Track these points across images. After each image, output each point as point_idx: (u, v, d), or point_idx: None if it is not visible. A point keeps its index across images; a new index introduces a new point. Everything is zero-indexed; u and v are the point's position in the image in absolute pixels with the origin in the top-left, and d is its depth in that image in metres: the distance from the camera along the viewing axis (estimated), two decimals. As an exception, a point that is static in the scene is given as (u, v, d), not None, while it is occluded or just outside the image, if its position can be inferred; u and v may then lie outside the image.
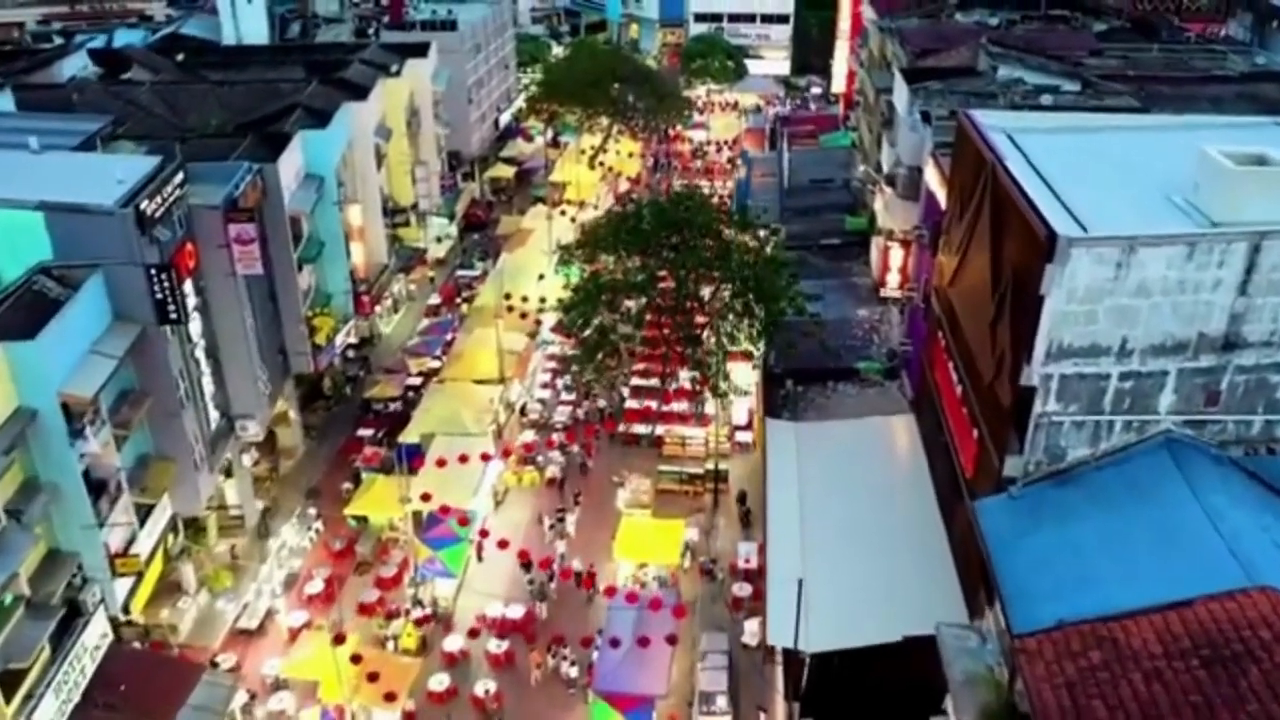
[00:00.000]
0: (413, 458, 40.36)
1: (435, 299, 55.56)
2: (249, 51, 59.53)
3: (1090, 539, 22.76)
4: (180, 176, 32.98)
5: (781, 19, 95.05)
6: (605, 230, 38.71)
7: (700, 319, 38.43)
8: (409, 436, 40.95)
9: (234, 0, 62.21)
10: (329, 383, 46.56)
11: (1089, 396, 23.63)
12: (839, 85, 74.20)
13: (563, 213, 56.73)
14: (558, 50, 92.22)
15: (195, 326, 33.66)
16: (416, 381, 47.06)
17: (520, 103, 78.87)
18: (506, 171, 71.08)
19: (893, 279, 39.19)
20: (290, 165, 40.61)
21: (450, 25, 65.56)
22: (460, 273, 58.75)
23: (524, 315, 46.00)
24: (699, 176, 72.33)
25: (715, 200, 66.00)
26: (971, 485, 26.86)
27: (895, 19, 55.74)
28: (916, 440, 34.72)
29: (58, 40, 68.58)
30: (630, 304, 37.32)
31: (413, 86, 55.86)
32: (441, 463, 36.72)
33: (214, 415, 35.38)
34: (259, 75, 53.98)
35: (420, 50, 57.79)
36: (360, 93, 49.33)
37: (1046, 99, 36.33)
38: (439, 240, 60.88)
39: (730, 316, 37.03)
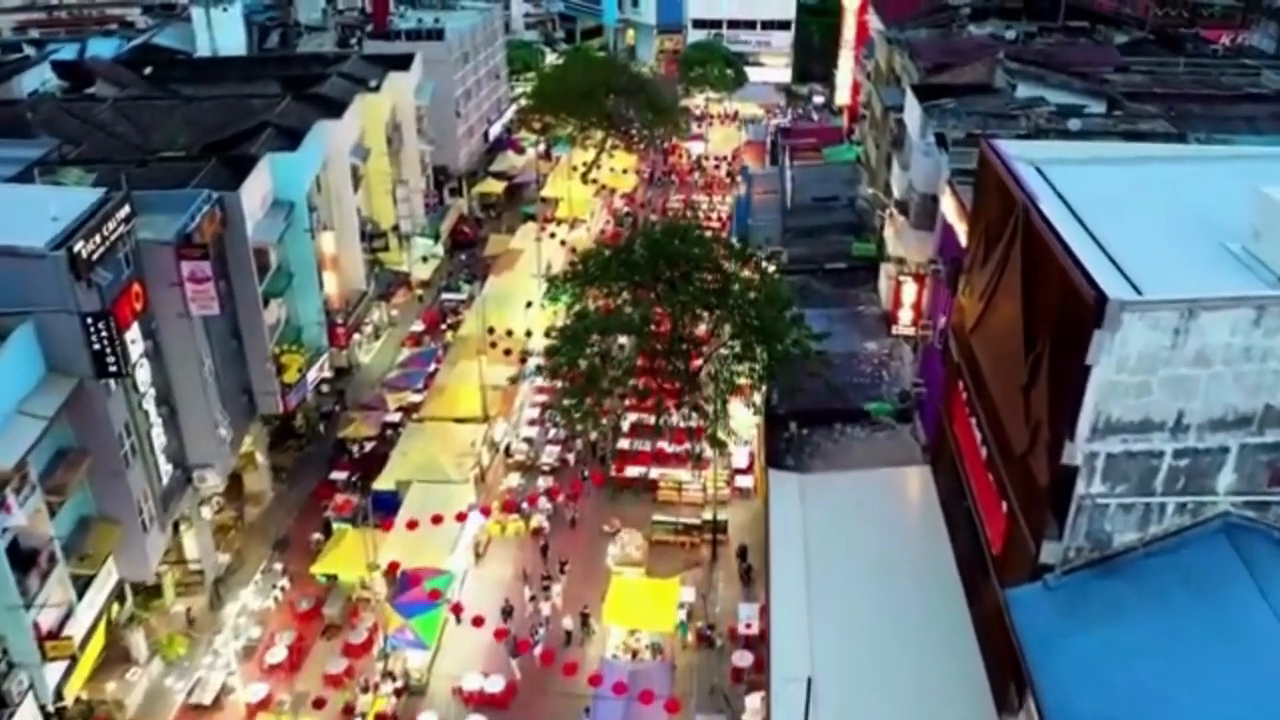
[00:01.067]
0: (388, 507, 37.61)
1: (418, 325, 52.60)
2: (223, 64, 56.57)
3: (1143, 642, 19.95)
4: (126, 210, 30.04)
5: (783, 25, 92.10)
6: (595, 263, 35.71)
7: (697, 361, 35.46)
8: (384, 483, 38.10)
9: (209, 9, 59.15)
10: (301, 420, 43.61)
11: (1139, 476, 20.80)
12: (843, 97, 71.31)
13: (552, 235, 53.86)
14: (551, 58, 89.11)
15: (144, 374, 30.75)
16: (395, 418, 44.15)
17: (512, 113, 75.87)
18: (496, 187, 68.10)
19: (905, 315, 36.26)
20: (256, 191, 37.68)
21: (437, 35, 62.60)
22: (445, 296, 55.78)
23: (508, 351, 42.96)
24: (697, 191, 69.41)
25: (714, 220, 63.63)
26: (1000, 565, 23.99)
27: (903, 29, 52.92)
28: (933, 499, 31.77)
29: (28, 50, 65.50)
30: (622, 341, 34.35)
31: (394, 101, 52.93)
32: (412, 525, 33.73)
33: (166, 469, 32.45)
34: (231, 90, 51.00)
35: (403, 63, 54.84)
36: (336, 109, 46.41)
37: (1074, 124, 33.39)
38: (425, 260, 57.95)
39: (729, 357, 34.04)
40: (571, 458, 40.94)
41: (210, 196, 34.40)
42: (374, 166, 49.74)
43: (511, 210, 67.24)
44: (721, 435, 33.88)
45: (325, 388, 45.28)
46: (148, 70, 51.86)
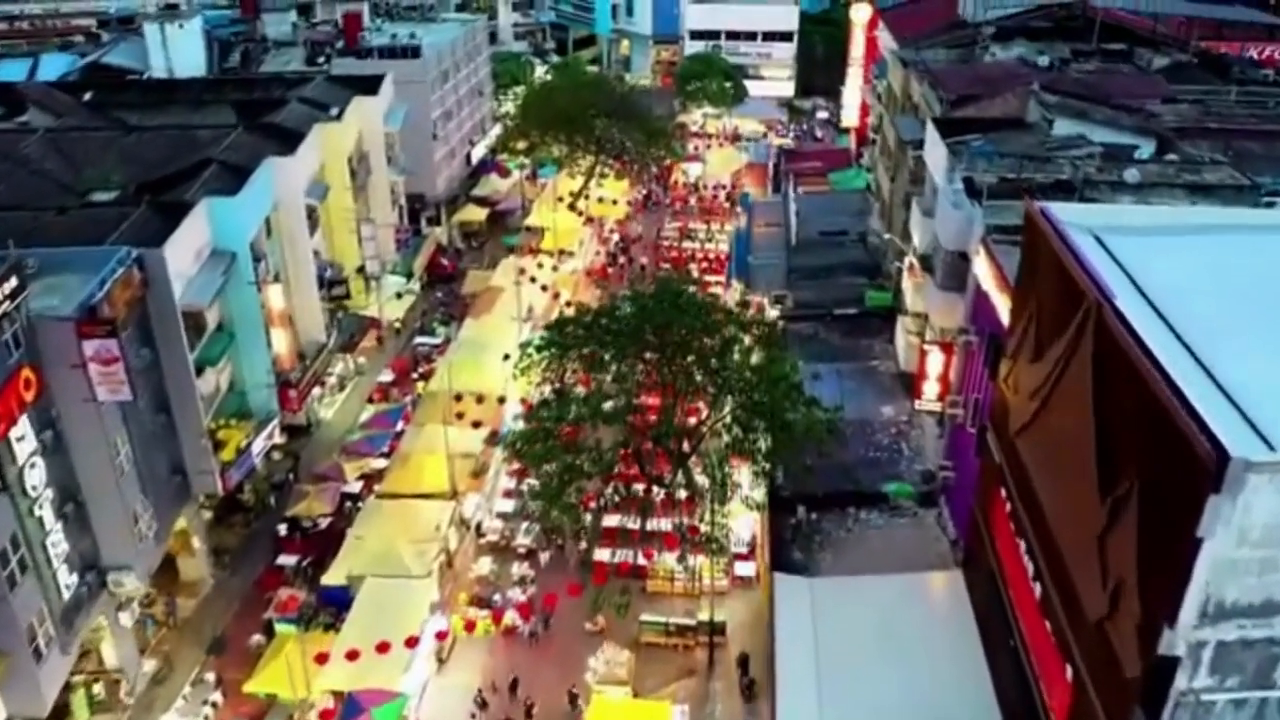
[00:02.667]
0: (338, 603, 33.02)
1: (387, 374, 47.83)
2: (175, 86, 51.85)
3: None
4: (14, 283, 25.36)
5: (784, 36, 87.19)
6: (575, 329, 30.95)
7: (690, 442, 30.77)
8: (334, 577, 33.45)
9: (163, 26, 54.43)
10: (249, 493, 38.94)
11: (1256, 667, 16.38)
12: (851, 117, 66.56)
13: (533, 280, 48.93)
14: (540, 71, 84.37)
15: (37, 475, 26.05)
16: (356, 488, 39.45)
17: (497, 132, 71.04)
18: (478, 214, 63.34)
19: (930, 388, 31.59)
20: (188, 244, 33.06)
21: (413, 52, 57.85)
22: (419, 341, 51.03)
23: (477, 424, 38.15)
24: (695, 218, 64.63)
25: (712, 252, 58.92)
26: (1066, 749, 19.36)
27: (919, 48, 48.18)
28: (968, 618, 27.09)
29: (-26, 67, 60.87)
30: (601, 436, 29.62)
31: (361, 128, 48.24)
32: (353, 655, 28.94)
33: (70, 580, 27.74)
34: (180, 117, 46.35)
35: (373, 84, 50.11)
36: (292, 142, 41.74)
37: (1131, 175, 28.69)
38: (399, 296, 53.23)
39: (728, 443, 29.33)
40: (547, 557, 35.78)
41: (127, 255, 29.74)
42: (336, 203, 45.06)
43: (494, 239, 62.50)
44: (719, 537, 29.09)
45: (277, 455, 40.55)
46: (87, 96, 47.04)
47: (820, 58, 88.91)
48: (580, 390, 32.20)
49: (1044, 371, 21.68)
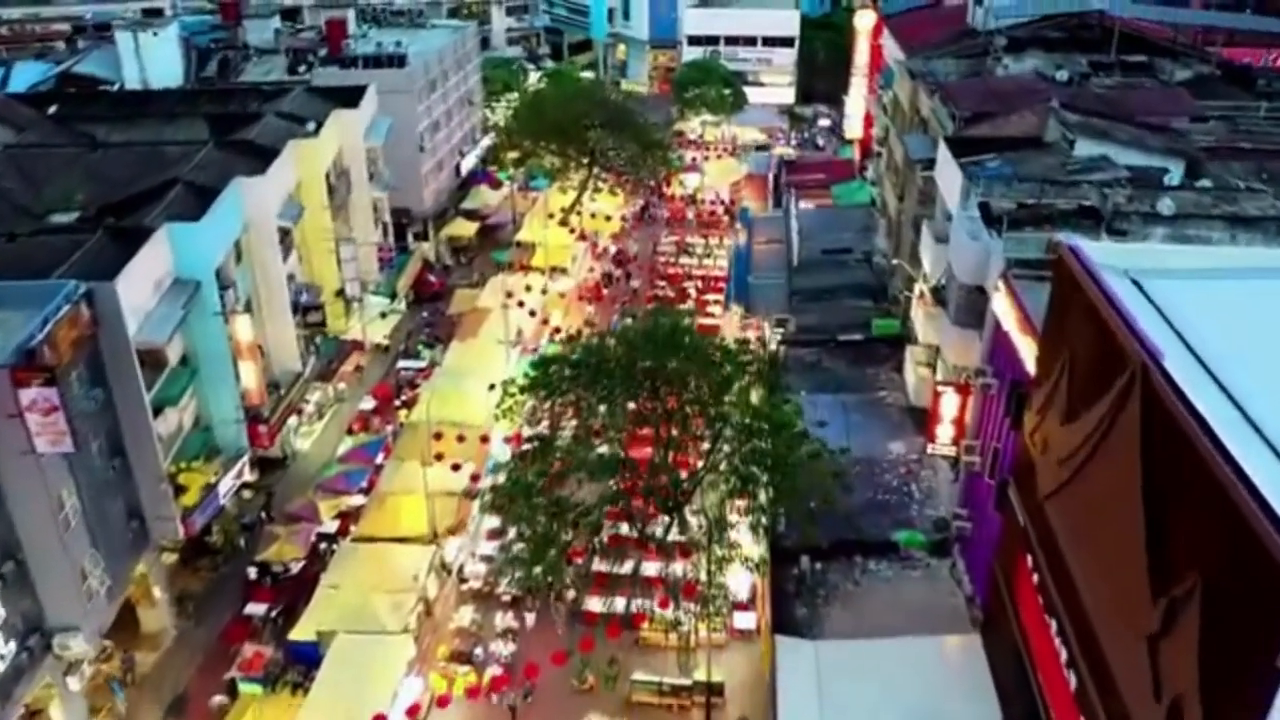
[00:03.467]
0: (308, 659, 30.73)
1: (368, 402, 45.47)
2: (146, 98, 49.51)
3: None
4: (-60, 326, 23.06)
5: (785, 42, 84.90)
6: (559, 370, 28.57)
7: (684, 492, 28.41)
8: (303, 632, 31.14)
9: (136, 34, 52.09)
10: (218, 534, 36.61)
11: (1341, 806, 13.69)
12: (855, 128, 64.25)
13: (520, 304, 46.45)
14: (534, 77, 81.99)
15: (-34, 537, 23.73)
16: (332, 527, 37.17)
17: (488, 142, 68.64)
18: (467, 229, 61.01)
19: (944, 432, 29.23)
20: (145, 275, 30.78)
21: (399, 61, 55.51)
22: (402, 365, 48.68)
23: (456, 467, 35.74)
24: (693, 232, 62.26)
25: (712, 267, 56.53)
26: None
27: (928, 59, 45.91)
28: (989, 696, 24.76)
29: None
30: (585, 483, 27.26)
31: (341, 143, 45.92)
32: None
33: (6, 648, 25.43)
34: (151, 131, 44.09)
35: (354, 97, 47.80)
36: (267, 159, 39.46)
37: (1166, 206, 26.37)
38: (383, 316, 50.93)
39: (726, 492, 27.00)
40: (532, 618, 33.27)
41: (75, 290, 27.41)
42: (313, 223, 42.75)
43: (484, 254, 60.19)
44: (717, 598, 26.74)
45: (247, 493, 38.26)
46: (52, 108, 44.71)
47: (822, 63, 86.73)
48: (566, 432, 29.85)
49: (1079, 436, 19.35)
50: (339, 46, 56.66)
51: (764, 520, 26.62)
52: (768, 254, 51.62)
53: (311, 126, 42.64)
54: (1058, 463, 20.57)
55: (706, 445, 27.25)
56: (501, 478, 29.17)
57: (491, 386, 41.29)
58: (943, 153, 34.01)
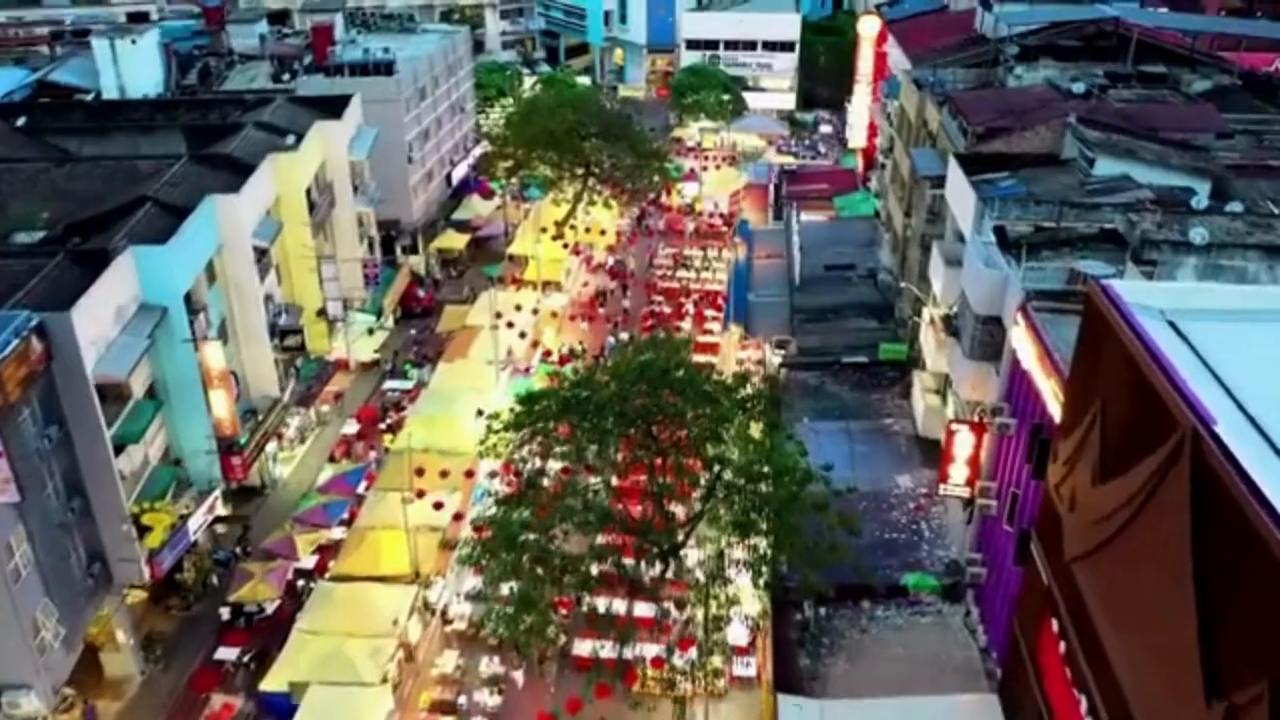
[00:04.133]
0: (280, 711, 28.89)
1: (350, 426, 43.56)
2: (122, 109, 47.59)
3: None
4: None
5: (786, 46, 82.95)
6: (547, 406, 26.67)
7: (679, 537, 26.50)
8: (274, 682, 29.27)
9: (113, 41, 50.18)
10: (190, 571, 34.73)
11: None
12: (858, 138, 62.36)
13: (510, 325, 44.48)
14: (529, 82, 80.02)
15: (-100, 596, 21.86)
16: (310, 563, 35.33)
17: (479, 151, 66.64)
18: (458, 241, 59.07)
19: (958, 472, 27.40)
20: (106, 303, 28.89)
21: (386, 68, 53.59)
22: (388, 385, 46.78)
23: (439, 505, 33.77)
24: (690, 243, 60.29)
25: (711, 280, 54.53)
26: None
27: (935, 67, 44.08)
28: (1010, 764, 22.96)
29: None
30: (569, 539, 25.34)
31: (324, 156, 44.02)
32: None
33: (-53, 713, 23.58)
34: (125, 144, 42.23)
35: (337, 108, 45.89)
36: (244, 174, 37.58)
37: (1198, 236, 24.55)
38: (370, 332, 49.10)
39: (722, 544, 25.12)
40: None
41: (25, 323, 25.52)
42: (293, 240, 40.87)
43: (476, 267, 58.25)
44: (714, 659, 24.84)
45: (221, 527, 36.40)
46: (21, 120, 42.83)
47: (823, 68, 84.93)
48: (554, 469, 27.98)
49: (1115, 500, 17.50)
50: (324, 54, 54.71)
51: (764, 572, 24.70)
52: (768, 269, 49.76)
53: (291, 140, 40.73)
54: (1089, 524, 18.74)
55: (702, 492, 25.32)
56: (480, 510, 27.18)
57: (479, 412, 39.43)
58: (953, 170, 32.21)
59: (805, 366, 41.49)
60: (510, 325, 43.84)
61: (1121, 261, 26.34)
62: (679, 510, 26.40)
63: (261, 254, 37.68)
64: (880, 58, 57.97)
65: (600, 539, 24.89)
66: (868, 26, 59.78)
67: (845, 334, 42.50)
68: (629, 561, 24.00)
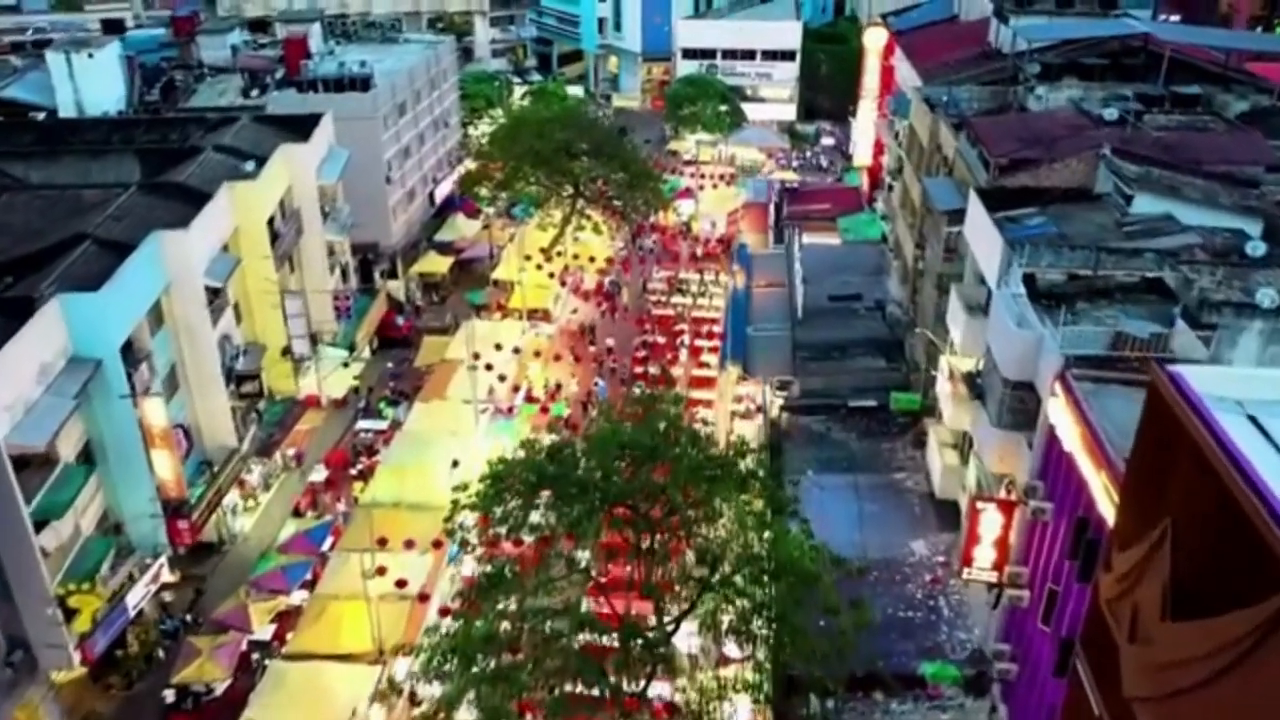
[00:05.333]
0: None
1: (318, 473, 40.34)
2: (76, 129, 44.37)
3: None
4: None
5: (786, 55, 79.76)
6: (519, 479, 23.48)
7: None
8: (217, 785, 26.17)
9: (69, 56, 47.01)
10: (133, 644, 31.59)
11: None
12: (863, 155, 59.20)
13: (488, 366, 41.13)
14: (519, 93, 76.76)
15: None
16: (267, 633, 32.21)
17: (467, 165, 63.28)
18: (440, 264, 55.85)
19: (984, 555, 24.26)
20: (28, 359, 25.84)
21: (363, 83, 50.42)
22: (361, 426, 43.59)
23: (401, 583, 30.41)
24: (686, 265, 57.10)
25: (708, 309, 51.28)
26: None
27: (946, 84, 40.97)
28: None
29: None
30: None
31: (290, 181, 40.88)
32: None
33: None
34: (75, 170, 39.14)
35: (307, 127, 42.77)
36: (197, 204, 34.48)
37: (1269, 297, 21.36)
38: (346, 365, 45.82)
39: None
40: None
41: (-76, 392, 22.42)
42: (254, 274, 37.73)
43: (459, 291, 55.04)
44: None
45: (168, 594, 33.23)
46: (-40, 144, 39.77)
47: (825, 78, 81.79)
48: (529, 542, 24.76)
49: (1196, 646, 14.33)
50: (297, 67, 51.53)
51: (765, 688, 21.53)
52: (768, 300, 46.59)
53: (251, 166, 37.57)
54: (1158, 665, 15.59)
55: (693, 590, 22.14)
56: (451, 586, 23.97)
57: (455, 463, 36.52)
58: (974, 207, 29.08)
59: (809, 410, 38.36)
60: (489, 367, 40.60)
61: (1168, 317, 23.25)
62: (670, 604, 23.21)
63: (216, 293, 34.54)
64: (887, 71, 54.82)
65: (581, 637, 21.69)
66: (874, 38, 56.58)
67: (852, 374, 39.39)
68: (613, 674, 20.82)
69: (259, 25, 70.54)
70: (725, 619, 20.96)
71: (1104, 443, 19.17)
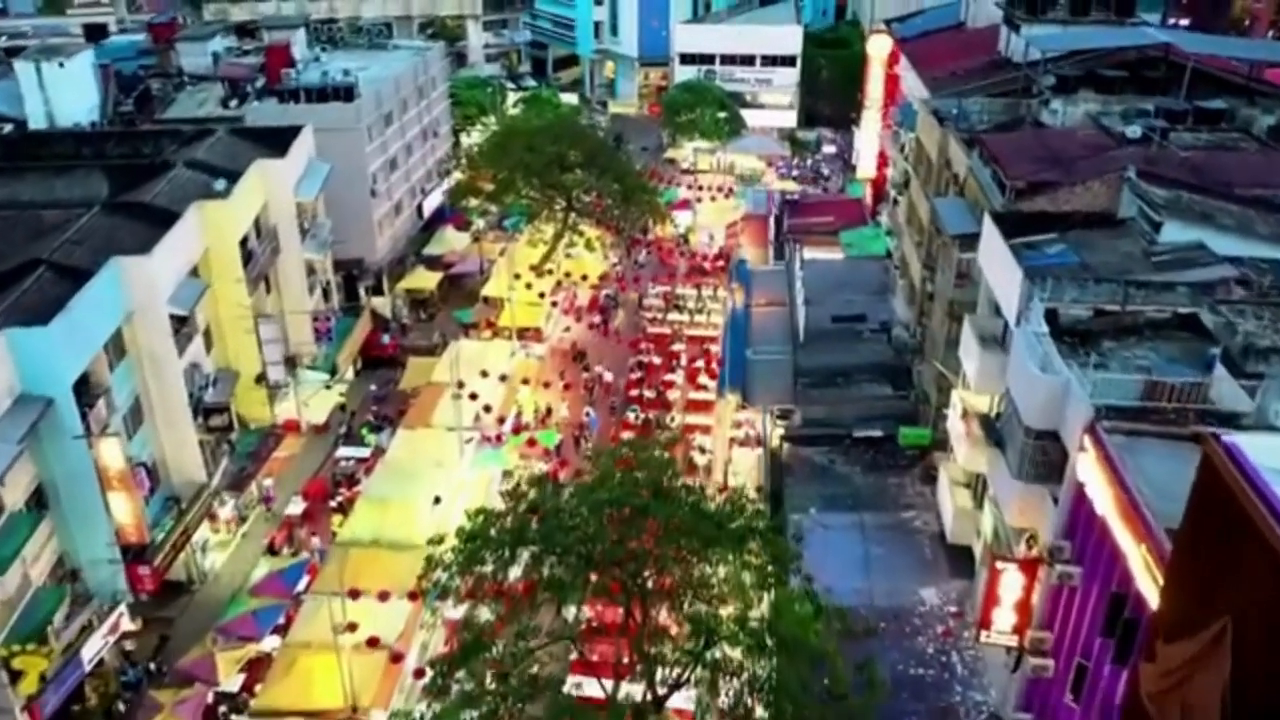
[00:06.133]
0: None
1: (295, 505, 38.35)
2: (42, 142, 42.41)
3: None
4: None
5: (786, 60, 77.71)
6: (498, 536, 21.55)
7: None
8: None
9: (39, 64, 45.05)
10: (91, 697, 29.62)
11: None
12: (867, 167, 57.17)
13: (473, 396, 38.84)
14: (512, 100, 74.71)
15: None
16: (236, 683, 30.26)
17: (457, 177, 61.19)
18: (429, 280, 53.81)
19: (1003, 618, 22.28)
20: (-33, 402, 23.78)
21: (346, 93, 48.44)
22: (342, 453, 41.60)
23: (373, 642, 28.27)
24: (683, 280, 55.15)
25: (706, 326, 49.33)
26: None
27: (955, 95, 39.07)
28: None
29: None
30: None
31: (266, 198, 38.93)
32: None
33: None
34: (39, 187, 37.12)
35: (285, 140, 40.83)
36: (165, 224, 32.54)
37: (1322, 346, 19.42)
38: (328, 386, 43.81)
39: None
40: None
41: None
42: (226, 298, 35.78)
43: (448, 310, 53.00)
44: None
45: (129, 643, 31.24)
46: (-80, 159, 37.81)
47: (826, 84, 79.81)
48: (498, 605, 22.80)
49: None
50: (278, 76, 49.54)
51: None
52: (768, 320, 44.60)
53: (222, 185, 35.60)
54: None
55: (686, 666, 20.18)
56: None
57: (437, 499, 34.66)
58: (990, 233, 27.14)
59: (811, 440, 36.42)
60: (474, 397, 38.58)
61: (1204, 358, 21.31)
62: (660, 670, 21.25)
63: (183, 320, 32.58)
64: (892, 80, 52.85)
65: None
66: (878, 46, 54.55)
67: (856, 403, 37.41)
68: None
69: (246, 31, 68.52)
70: (721, 699, 19.00)
71: (1143, 511, 17.22)
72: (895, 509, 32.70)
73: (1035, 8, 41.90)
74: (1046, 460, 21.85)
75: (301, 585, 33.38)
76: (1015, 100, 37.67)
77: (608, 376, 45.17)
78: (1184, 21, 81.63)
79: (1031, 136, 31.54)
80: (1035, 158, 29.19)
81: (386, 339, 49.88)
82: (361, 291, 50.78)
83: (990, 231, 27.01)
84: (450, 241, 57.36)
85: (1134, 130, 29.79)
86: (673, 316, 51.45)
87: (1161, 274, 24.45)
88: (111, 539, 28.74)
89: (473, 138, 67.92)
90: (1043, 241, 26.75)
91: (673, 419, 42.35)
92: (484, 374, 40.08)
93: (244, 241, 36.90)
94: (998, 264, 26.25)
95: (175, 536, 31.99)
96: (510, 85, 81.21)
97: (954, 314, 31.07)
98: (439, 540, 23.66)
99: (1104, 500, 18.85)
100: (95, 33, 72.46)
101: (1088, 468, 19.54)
